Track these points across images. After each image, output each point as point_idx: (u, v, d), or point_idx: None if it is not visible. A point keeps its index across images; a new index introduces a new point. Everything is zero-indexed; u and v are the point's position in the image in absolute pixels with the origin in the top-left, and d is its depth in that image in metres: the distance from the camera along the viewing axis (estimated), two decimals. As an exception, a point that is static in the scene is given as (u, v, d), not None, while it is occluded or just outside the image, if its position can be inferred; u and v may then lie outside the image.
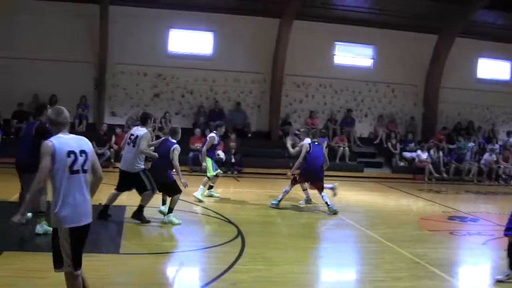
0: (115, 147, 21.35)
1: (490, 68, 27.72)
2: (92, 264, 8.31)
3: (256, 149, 23.49)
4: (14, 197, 13.57)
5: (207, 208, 13.61)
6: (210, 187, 15.66)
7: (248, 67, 24.88)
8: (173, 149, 11.61)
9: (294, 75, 25.29)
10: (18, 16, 22.41)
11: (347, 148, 23.74)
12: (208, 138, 15.42)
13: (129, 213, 12.24)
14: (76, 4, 22.64)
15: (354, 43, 25.88)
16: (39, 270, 7.89)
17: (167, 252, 9.73)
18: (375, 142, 25.55)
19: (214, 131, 15.37)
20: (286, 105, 25.58)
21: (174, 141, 11.85)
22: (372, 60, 26.25)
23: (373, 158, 24.90)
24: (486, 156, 24.84)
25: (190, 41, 24.72)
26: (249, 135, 24.40)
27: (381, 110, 26.39)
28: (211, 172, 14.95)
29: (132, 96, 24.30)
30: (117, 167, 20.63)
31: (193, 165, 21.51)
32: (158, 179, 11.62)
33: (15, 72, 22.36)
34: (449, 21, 24.37)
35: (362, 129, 25.93)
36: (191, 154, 21.67)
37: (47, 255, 8.54)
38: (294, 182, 14.52)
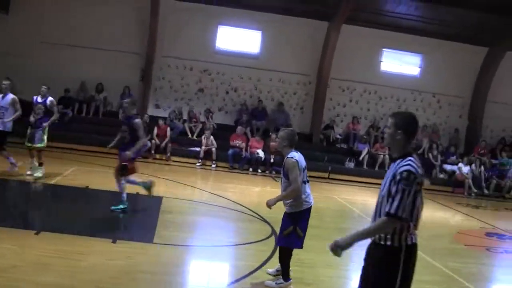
0: (156, 139, 21.55)
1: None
2: (126, 251, 8.46)
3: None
4: (55, 180, 13.88)
5: (244, 206, 13.59)
6: None
7: (293, 68, 24.85)
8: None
9: (339, 79, 25.16)
10: (72, 4, 22.84)
11: (387, 156, 23.50)
12: None
13: (165, 204, 12.36)
14: (129, -5, 23.04)
15: (402, 51, 25.56)
16: (75, 252, 8.04)
17: (200, 246, 9.76)
18: (418, 152, 25.22)
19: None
20: (330, 109, 25.46)
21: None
22: (419, 69, 25.95)
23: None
24: (529, 174, 24.30)
25: (238, 38, 24.76)
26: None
27: (425, 120, 26.05)
28: None
29: (177, 90, 24.46)
30: (158, 158, 21.16)
31: (233, 162, 21.61)
32: None
33: (65, 58, 22.74)
34: (501, 34, 23.96)
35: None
36: (231, 151, 21.74)
37: (84, 239, 8.78)
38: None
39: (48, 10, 22.75)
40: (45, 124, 13.78)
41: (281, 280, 7.68)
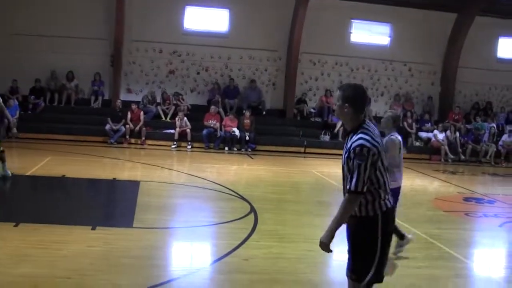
0: (130, 123, 21.44)
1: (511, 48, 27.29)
2: (106, 237, 8.42)
3: (270, 127, 23.44)
4: (31, 171, 13.74)
5: (220, 185, 13.58)
6: None
7: (263, 45, 24.72)
8: None
9: (309, 53, 25.10)
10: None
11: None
12: None
13: (143, 188, 12.32)
14: (93, -19, 22.79)
15: (371, 21, 25.54)
16: (55, 241, 8.00)
17: (180, 227, 9.74)
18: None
19: None
20: (302, 83, 25.40)
21: None
22: (389, 39, 25.97)
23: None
24: (505, 137, 24.46)
25: (205, 18, 24.57)
26: (264, 112, 24.29)
27: (397, 89, 26.17)
28: None
29: (148, 73, 24.28)
30: (133, 143, 21.06)
31: (208, 142, 21.59)
32: None
33: (33, 49, 22.43)
34: (469, -1, 24.08)
35: (378, 108, 25.67)
36: (205, 131, 21.70)
37: (64, 228, 8.72)
38: None
39: (14, 1, 22.39)
40: None
41: None
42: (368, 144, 4.66)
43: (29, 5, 22.44)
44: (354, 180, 4.64)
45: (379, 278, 4.88)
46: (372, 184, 4.73)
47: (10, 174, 12.67)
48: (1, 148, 12.42)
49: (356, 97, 4.95)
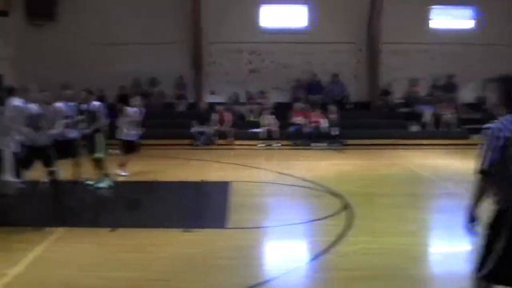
0: (217, 125, 21.63)
1: None
2: (200, 239, 8.47)
3: (356, 120, 23.15)
4: (122, 177, 14.04)
5: (310, 181, 13.47)
6: None
7: (342, 38, 24.33)
8: None
9: (390, 43, 24.54)
10: (115, 5, 23.22)
11: (453, 115, 22.85)
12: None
13: (234, 188, 12.37)
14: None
15: (452, 5, 24.83)
16: (149, 245, 8.15)
17: (273, 226, 9.70)
18: (483, 107, 24.43)
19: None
20: (385, 74, 24.89)
21: None
22: (474, 21, 25.10)
23: (480, 124, 23.70)
24: None
25: (283, 15, 24.51)
26: (348, 106, 24.02)
27: (487, 74, 25.11)
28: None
29: (229, 74, 24.40)
30: (220, 144, 21.21)
31: (295, 138, 21.54)
32: None
33: (115, 57, 23.02)
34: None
35: (466, 94, 24.83)
36: (292, 128, 21.67)
37: (157, 231, 8.86)
38: None
39: (92, 13, 23.12)
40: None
41: None
42: (496, 127, 4.72)
43: (106, 15, 23.15)
44: (480, 160, 4.70)
45: (496, 278, 4.73)
46: None
47: (112, 184, 12.91)
48: (103, 156, 12.73)
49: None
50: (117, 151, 14.30)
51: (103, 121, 12.95)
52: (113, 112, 22.18)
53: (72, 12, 23.16)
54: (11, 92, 12.04)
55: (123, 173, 14.13)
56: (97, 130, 12.67)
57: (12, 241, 8.33)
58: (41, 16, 23.19)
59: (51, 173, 9.93)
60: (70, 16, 23.14)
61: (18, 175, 9.00)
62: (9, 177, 8.58)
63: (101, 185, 12.66)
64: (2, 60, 20.56)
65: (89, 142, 12.61)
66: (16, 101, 9.86)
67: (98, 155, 12.67)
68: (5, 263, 7.24)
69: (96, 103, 12.88)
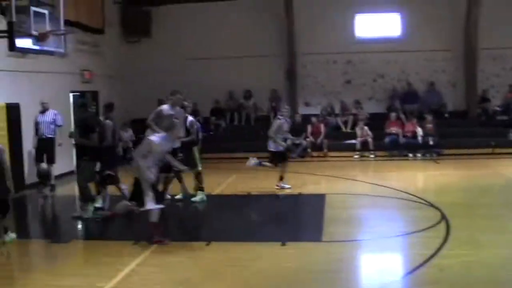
0: (311, 137, 21.64)
1: None
2: (295, 253, 8.51)
3: (453, 129, 22.57)
4: (217, 190, 14.25)
5: (407, 193, 13.28)
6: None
7: (437, 45, 23.76)
8: None
9: (487, 49, 23.82)
10: (208, 19, 23.63)
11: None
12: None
13: (329, 201, 12.35)
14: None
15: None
16: (245, 259, 8.21)
17: (369, 239, 9.61)
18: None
19: None
20: (483, 81, 24.17)
21: None
22: None
23: None
24: None
25: (377, 24, 24.28)
26: (446, 115, 23.49)
27: None
28: None
29: (324, 85, 24.36)
30: (315, 156, 21.18)
31: (391, 149, 21.27)
32: None
33: (210, 71, 23.45)
34: None
35: None
36: (387, 138, 21.42)
37: (253, 244, 8.95)
38: None
39: (187, 28, 23.65)
40: None
41: None
42: None
43: (201, 31, 23.60)
44: None
45: None
46: None
47: (185, 196, 13.16)
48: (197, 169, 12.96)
49: None
50: (268, 164, 14.56)
51: (197, 135, 13.15)
52: (206, 126, 22.70)
53: (166, 27, 23.87)
54: (109, 108, 12.54)
55: (286, 186, 14.37)
56: (193, 144, 12.89)
57: (107, 255, 8.66)
58: (137, 32, 23.99)
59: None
60: (165, 31, 23.85)
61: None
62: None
63: (196, 199, 12.90)
64: (99, 77, 21.28)
65: (185, 156, 12.50)
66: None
67: (197, 168, 12.93)
68: (99, 277, 7.53)
69: (190, 118, 13.00)
